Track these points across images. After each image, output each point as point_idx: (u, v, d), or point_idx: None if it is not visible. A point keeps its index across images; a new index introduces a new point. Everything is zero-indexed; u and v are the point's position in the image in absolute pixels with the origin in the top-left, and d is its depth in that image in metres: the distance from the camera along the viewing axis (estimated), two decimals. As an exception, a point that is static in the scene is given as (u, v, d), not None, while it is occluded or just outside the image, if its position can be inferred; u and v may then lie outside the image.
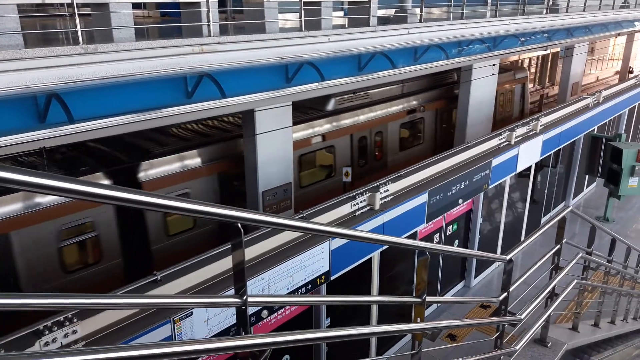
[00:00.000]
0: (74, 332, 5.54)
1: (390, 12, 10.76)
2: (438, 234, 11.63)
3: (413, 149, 14.06)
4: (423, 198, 9.79)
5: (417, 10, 9.96)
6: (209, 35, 6.57)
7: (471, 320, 4.08)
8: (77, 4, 5.57)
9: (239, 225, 2.04)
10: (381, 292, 9.66)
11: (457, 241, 12.49)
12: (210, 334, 6.41)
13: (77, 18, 5.53)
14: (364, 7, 8.65)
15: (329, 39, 7.63)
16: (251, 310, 7.07)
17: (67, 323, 5.51)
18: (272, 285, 6.91)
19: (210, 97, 6.46)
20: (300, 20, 7.34)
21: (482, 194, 12.21)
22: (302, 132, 10.98)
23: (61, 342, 5.43)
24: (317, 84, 7.02)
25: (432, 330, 3.45)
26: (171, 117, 6.38)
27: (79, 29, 5.57)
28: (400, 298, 3.76)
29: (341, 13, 11.50)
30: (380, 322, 9.85)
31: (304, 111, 11.69)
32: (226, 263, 6.73)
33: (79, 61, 5.57)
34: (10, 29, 5.40)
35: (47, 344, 5.33)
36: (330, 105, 12.03)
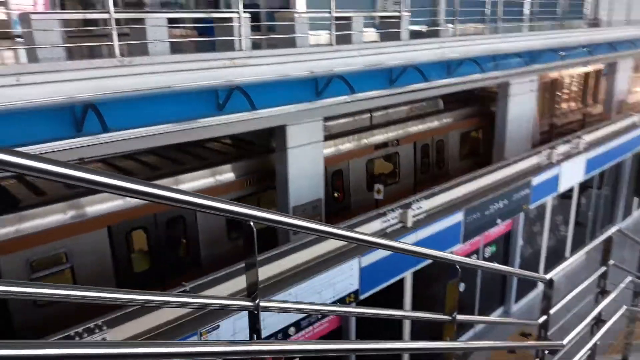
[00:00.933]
0: (103, 339, 5.58)
1: (424, 27, 10.68)
2: (475, 255, 11.26)
3: (385, 189, 11.90)
4: (458, 217, 9.52)
5: (451, 25, 9.85)
6: (241, 50, 6.64)
7: (504, 342, 3.84)
8: (115, 19, 5.73)
9: (252, 223, 1.96)
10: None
11: (495, 263, 12.07)
12: (236, 349, 6.33)
13: (114, 32, 5.68)
14: (396, 22, 8.61)
15: (359, 52, 7.61)
16: (278, 326, 7.01)
17: (97, 330, 5.57)
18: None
19: (240, 110, 6.52)
20: (331, 35, 7.35)
21: (522, 215, 11.80)
22: (226, 174, 8.98)
23: (90, 350, 5.47)
24: (347, 96, 6.98)
25: (461, 350, 3.26)
26: (202, 128, 6.45)
27: (115, 43, 5.71)
28: (429, 314, 3.58)
29: (372, 29, 11.47)
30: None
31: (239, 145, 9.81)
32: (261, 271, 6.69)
33: (115, 73, 5.70)
34: (53, 43, 5.59)
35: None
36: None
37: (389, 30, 8.72)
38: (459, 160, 14.00)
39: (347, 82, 6.91)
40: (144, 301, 1.80)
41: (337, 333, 8.49)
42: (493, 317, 10.90)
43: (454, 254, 9.91)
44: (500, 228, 11.49)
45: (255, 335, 2.19)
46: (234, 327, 6.37)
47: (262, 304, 2.14)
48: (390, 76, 8.07)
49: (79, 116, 5.39)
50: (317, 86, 7.04)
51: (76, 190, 7.50)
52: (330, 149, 10.72)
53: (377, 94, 7.94)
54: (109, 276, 7.88)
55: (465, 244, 10.32)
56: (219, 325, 6.25)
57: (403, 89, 8.17)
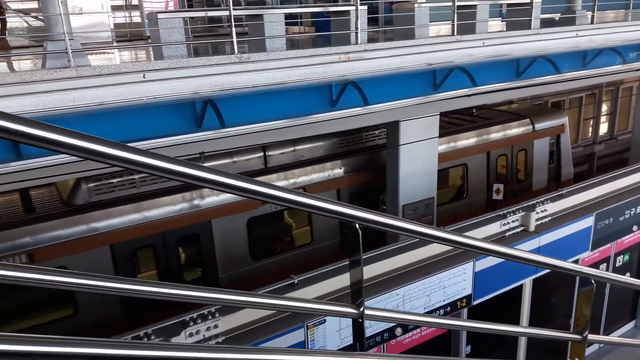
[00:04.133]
0: (216, 326, 5.82)
1: (556, 15, 9.78)
2: (605, 264, 10.17)
3: (287, 255, 9.11)
4: (588, 222, 8.68)
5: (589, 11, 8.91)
6: (356, 43, 6.52)
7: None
8: (234, 16, 5.89)
9: (357, 226, 1.82)
10: (532, 325, 8.71)
11: (628, 274, 10.79)
12: (342, 345, 6.29)
13: (233, 29, 5.85)
14: (525, 10, 7.96)
15: (483, 43, 7.13)
16: (385, 326, 6.83)
17: (210, 317, 5.81)
18: (408, 303, 6.58)
19: (353, 105, 6.41)
20: (453, 25, 6.96)
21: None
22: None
23: (204, 335, 5.74)
24: (467, 89, 6.58)
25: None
26: (315, 124, 6.45)
27: (234, 39, 5.88)
28: (555, 332, 3.21)
29: (499, 19, 10.72)
30: (530, 358, 8.87)
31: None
32: (364, 272, 6.58)
33: (233, 70, 5.86)
34: (176, 41, 5.90)
35: (191, 335, 5.67)
36: (80, 198, 7.43)
37: (517, 19, 8.10)
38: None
39: (468, 73, 6.51)
40: (243, 302, 1.75)
41: (447, 337, 8.12)
42: (633, 340, 9.80)
43: (580, 262, 9.15)
44: (635, 235, 10.28)
45: (358, 345, 2.06)
46: (340, 323, 6.32)
47: (367, 312, 1.99)
48: (517, 68, 7.49)
49: (199, 112, 5.62)
50: (435, 79, 6.73)
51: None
52: (180, 205, 7.98)
53: (500, 86, 7.41)
54: None
55: (594, 251, 9.38)
56: (325, 320, 6.24)
57: (530, 81, 7.54)
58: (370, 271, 6.72)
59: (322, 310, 2.17)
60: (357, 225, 1.84)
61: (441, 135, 9.91)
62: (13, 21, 10.42)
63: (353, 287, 1.99)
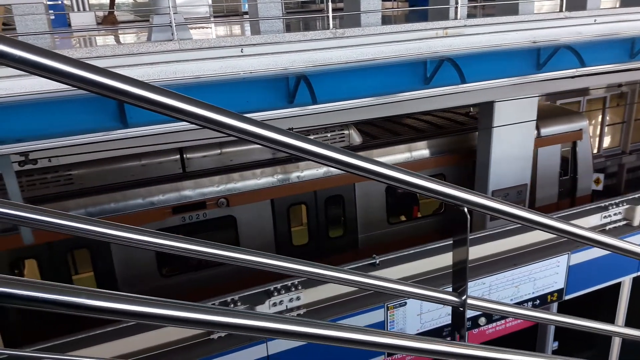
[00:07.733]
0: (298, 298, 5.95)
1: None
2: None
3: (206, 274, 8.00)
4: None
5: None
6: (455, 18, 6.24)
7: None
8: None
9: (465, 210, 1.72)
10: (628, 326, 8.11)
11: None
12: (422, 329, 6.20)
13: (329, 3, 5.79)
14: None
15: (594, 20, 6.56)
16: (469, 314, 6.65)
17: (293, 289, 5.95)
18: (494, 293, 6.34)
19: (447, 83, 6.17)
20: (561, 0, 6.46)
21: None
22: None
23: (286, 306, 5.90)
24: (574, 70, 6.11)
25: None
26: (406, 102, 6.29)
27: (330, 14, 5.82)
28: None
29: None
30: (624, 360, 8.30)
31: None
32: (446, 259, 6.42)
33: (327, 45, 5.81)
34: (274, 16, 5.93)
35: (274, 305, 5.84)
36: None
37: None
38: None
39: (576, 53, 6.02)
40: (330, 277, 1.72)
41: (532, 331, 7.77)
42: None
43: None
44: None
45: (458, 334, 1.98)
46: (421, 307, 6.23)
47: (469, 301, 1.91)
48: (632, 48, 6.83)
49: (292, 87, 5.65)
50: (538, 57, 6.30)
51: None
52: None
53: (611, 67, 6.81)
54: None
55: None
56: (406, 303, 6.18)
57: (647, 63, 6.86)
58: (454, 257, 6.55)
59: (421, 295, 2.10)
60: (465, 209, 1.75)
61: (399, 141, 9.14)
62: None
63: (455, 274, 1.91)
